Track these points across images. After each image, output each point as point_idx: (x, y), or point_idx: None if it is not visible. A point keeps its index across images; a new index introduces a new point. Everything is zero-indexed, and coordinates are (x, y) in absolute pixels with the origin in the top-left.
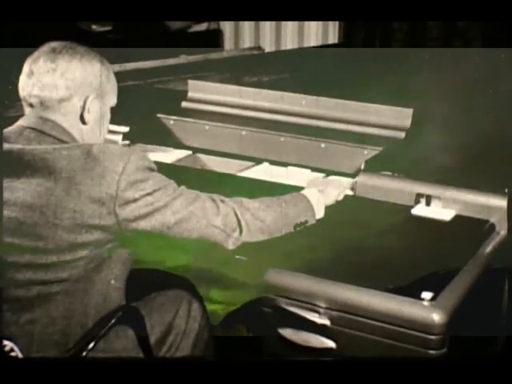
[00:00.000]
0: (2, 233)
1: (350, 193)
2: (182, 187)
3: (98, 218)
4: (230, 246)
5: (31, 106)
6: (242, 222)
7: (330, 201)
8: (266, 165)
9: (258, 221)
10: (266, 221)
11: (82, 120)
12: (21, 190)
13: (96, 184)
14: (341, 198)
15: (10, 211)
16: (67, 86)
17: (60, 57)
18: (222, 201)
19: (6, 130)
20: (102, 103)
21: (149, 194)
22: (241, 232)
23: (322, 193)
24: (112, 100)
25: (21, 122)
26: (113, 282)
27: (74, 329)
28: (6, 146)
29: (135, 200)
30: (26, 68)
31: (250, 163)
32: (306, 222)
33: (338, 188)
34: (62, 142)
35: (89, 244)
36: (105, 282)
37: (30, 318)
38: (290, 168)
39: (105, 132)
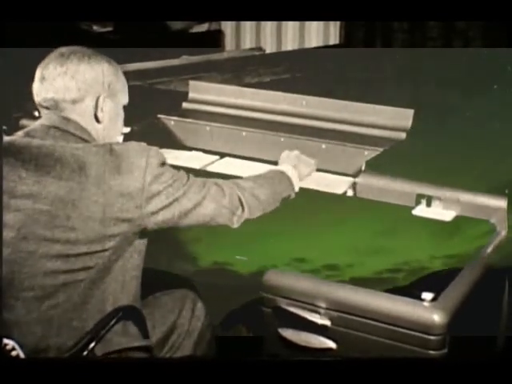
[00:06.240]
0: (33, 225)
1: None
2: (190, 174)
3: (126, 212)
4: (235, 224)
5: (48, 108)
6: (244, 201)
7: (302, 177)
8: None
9: (255, 198)
10: (261, 198)
11: (97, 119)
12: (52, 184)
13: (125, 179)
14: (310, 175)
15: (42, 204)
16: (78, 87)
17: (69, 61)
18: (224, 183)
19: (29, 129)
20: (114, 102)
21: (170, 186)
22: (243, 210)
23: (295, 169)
24: (124, 98)
25: (43, 122)
26: (130, 270)
27: (92, 314)
28: (35, 141)
29: (159, 192)
30: (38, 74)
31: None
32: (289, 196)
33: (309, 167)
34: (85, 141)
35: (116, 235)
36: (123, 270)
37: (53, 303)
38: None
39: (119, 130)
